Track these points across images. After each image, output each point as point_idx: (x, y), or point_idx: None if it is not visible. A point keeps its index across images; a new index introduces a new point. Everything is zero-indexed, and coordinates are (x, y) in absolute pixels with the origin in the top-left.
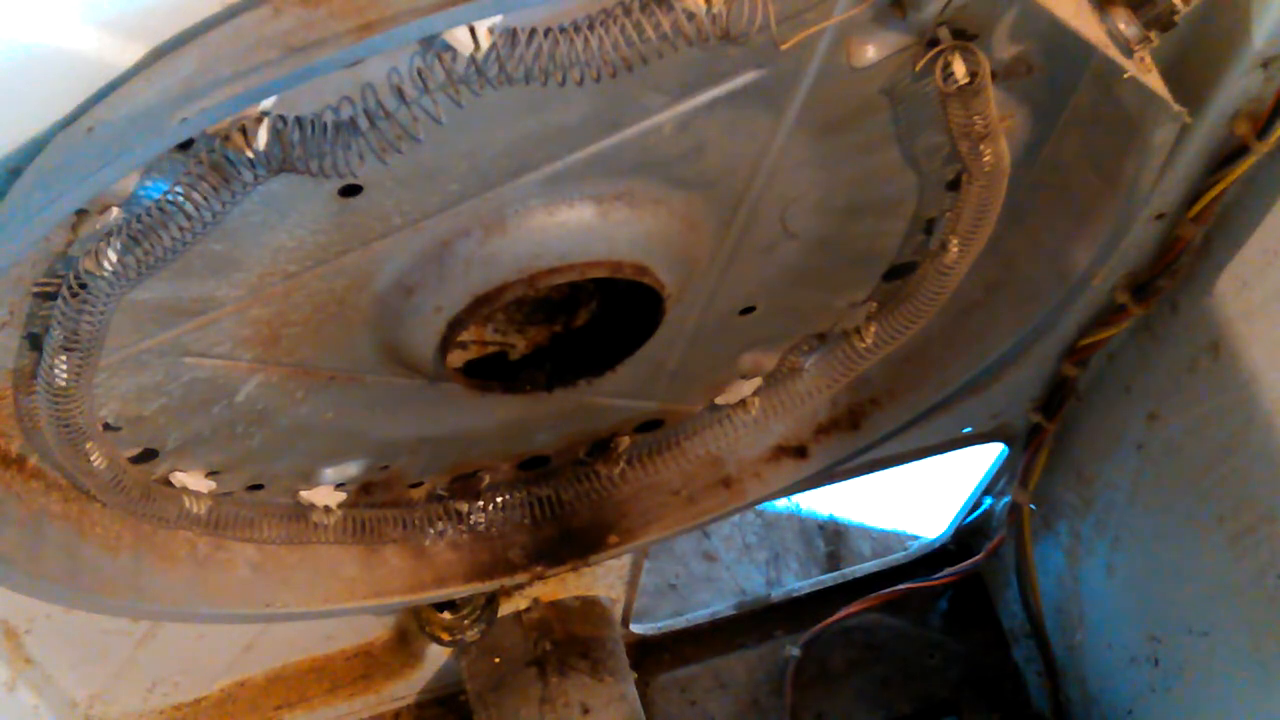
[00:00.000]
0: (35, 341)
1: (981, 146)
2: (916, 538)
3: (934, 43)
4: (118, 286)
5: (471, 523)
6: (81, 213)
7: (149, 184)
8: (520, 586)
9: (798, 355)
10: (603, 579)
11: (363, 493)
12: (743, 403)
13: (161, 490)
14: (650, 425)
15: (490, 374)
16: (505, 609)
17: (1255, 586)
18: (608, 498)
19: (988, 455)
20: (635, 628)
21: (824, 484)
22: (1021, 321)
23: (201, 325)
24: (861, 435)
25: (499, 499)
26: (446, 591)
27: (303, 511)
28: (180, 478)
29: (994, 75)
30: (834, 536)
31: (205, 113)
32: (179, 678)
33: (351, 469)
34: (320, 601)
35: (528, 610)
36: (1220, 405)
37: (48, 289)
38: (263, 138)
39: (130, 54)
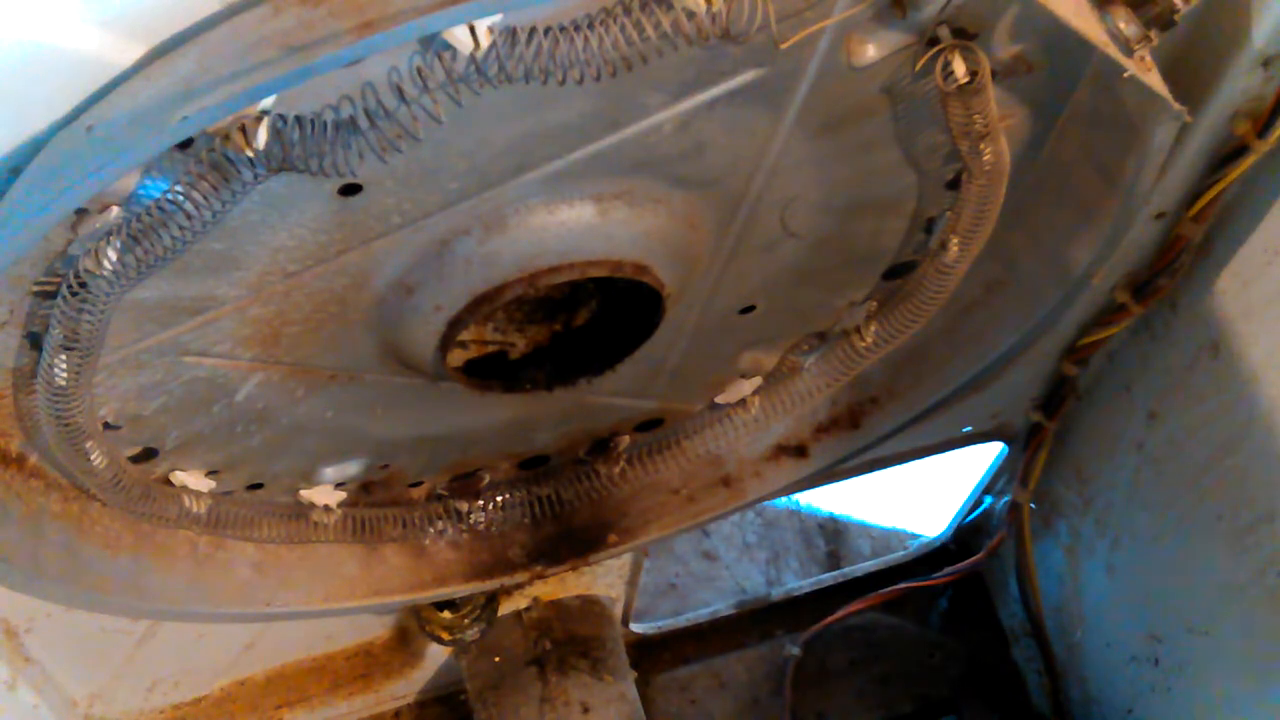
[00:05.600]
0: (35, 341)
1: (981, 145)
2: (917, 536)
3: (934, 41)
4: (117, 286)
5: (471, 522)
6: (81, 212)
7: (149, 183)
8: (520, 586)
9: (798, 354)
10: (603, 578)
11: (363, 492)
12: (743, 402)
13: (161, 489)
14: (650, 424)
15: (490, 373)
16: (505, 608)
17: (1255, 585)
18: (608, 497)
19: (988, 454)
20: (635, 627)
21: (824, 483)
22: (1022, 320)
23: (201, 324)
24: (861, 434)
25: (499, 498)
26: (446, 590)
27: (303, 510)
28: (180, 477)
29: (994, 74)
30: (834, 535)
31: (205, 112)
32: (179, 677)
33: (351, 468)
34: (320, 600)
35: (528, 609)
36: (1220, 404)
37: (48, 288)
38: (262, 137)
39: (130, 53)
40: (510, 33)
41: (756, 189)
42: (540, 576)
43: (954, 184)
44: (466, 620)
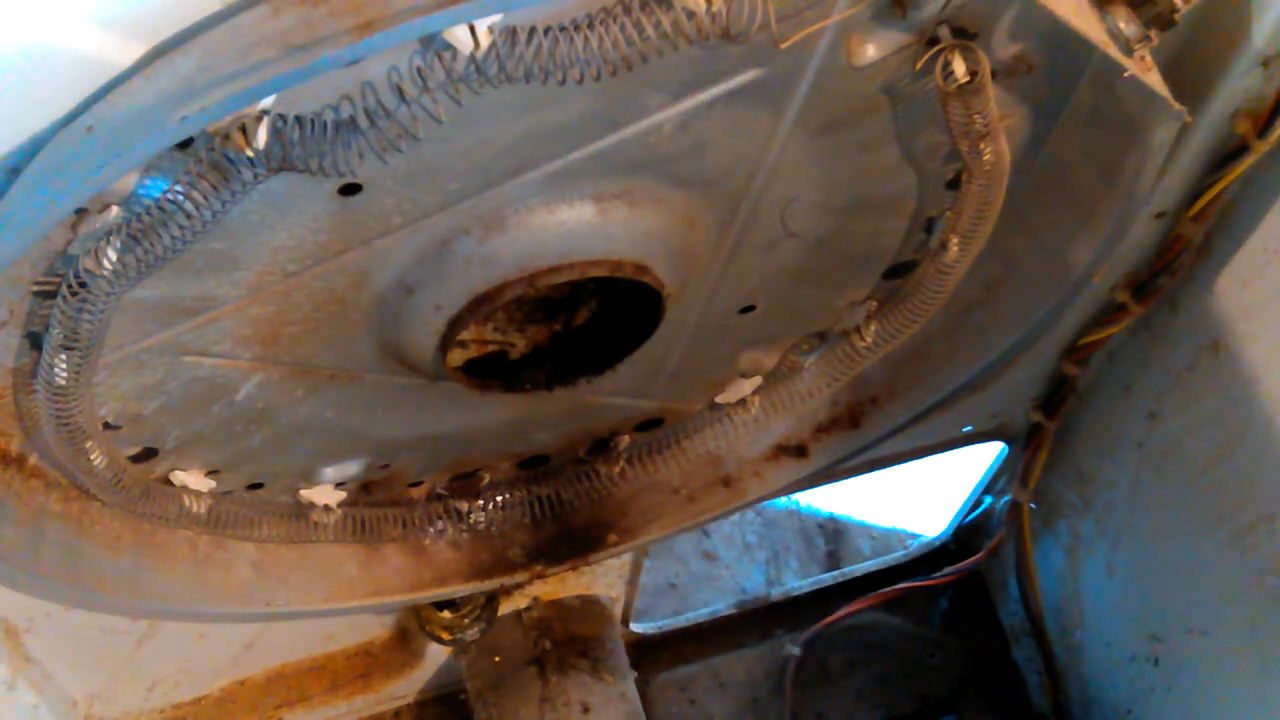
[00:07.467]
0: (35, 340)
1: (982, 145)
2: (917, 536)
3: (934, 41)
4: (117, 285)
5: (471, 522)
6: (81, 211)
7: (149, 183)
8: (520, 585)
9: (798, 354)
10: (603, 578)
11: (363, 491)
12: (743, 401)
13: (161, 489)
14: (650, 424)
15: (490, 373)
16: (505, 608)
17: (1255, 586)
18: (608, 497)
19: (988, 454)
20: (635, 627)
21: (824, 483)
22: (1022, 320)
23: (201, 324)
24: (861, 434)
25: (499, 498)
26: (447, 590)
27: (303, 510)
28: (180, 476)
29: (994, 74)
30: (834, 535)
31: (205, 111)
32: (179, 677)
33: (351, 468)
34: (320, 600)
35: (528, 609)
36: (1220, 404)
37: (47, 288)
38: (262, 136)
39: (130, 53)
40: (510, 33)
41: (756, 189)
42: (540, 576)
43: (954, 184)
44: (466, 620)
